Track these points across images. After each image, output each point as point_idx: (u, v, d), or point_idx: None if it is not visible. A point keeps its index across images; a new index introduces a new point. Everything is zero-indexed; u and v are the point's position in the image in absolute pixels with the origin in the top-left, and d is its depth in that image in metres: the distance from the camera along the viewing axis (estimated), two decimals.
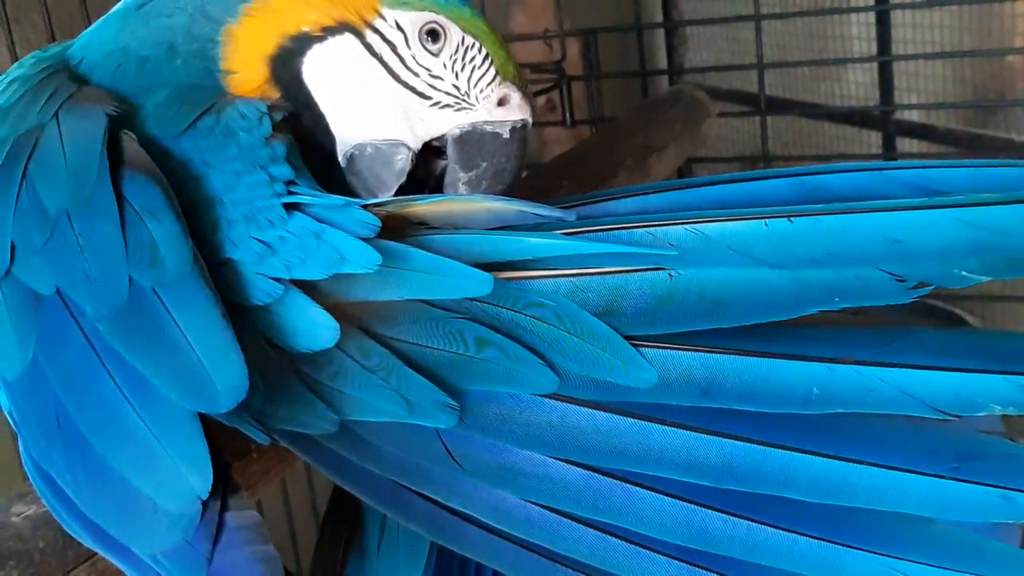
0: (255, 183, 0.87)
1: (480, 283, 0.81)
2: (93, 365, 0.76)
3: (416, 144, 0.94)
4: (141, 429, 0.74)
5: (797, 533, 0.78)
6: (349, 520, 0.97)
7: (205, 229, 0.84)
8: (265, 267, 0.83)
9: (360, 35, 0.93)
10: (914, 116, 2.81)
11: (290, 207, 0.85)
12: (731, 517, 0.78)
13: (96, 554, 0.87)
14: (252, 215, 0.85)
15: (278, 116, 0.92)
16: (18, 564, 0.83)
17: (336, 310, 0.82)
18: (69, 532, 0.80)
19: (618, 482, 0.79)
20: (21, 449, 0.81)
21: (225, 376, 0.75)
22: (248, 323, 0.82)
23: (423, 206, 0.86)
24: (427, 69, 0.93)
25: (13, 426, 0.82)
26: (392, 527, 0.95)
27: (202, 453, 0.73)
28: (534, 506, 0.80)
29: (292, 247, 0.83)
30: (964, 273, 0.75)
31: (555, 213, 0.85)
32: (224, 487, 0.75)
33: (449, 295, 0.81)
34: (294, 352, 0.82)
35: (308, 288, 0.82)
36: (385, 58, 0.93)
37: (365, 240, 0.83)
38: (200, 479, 0.73)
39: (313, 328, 0.81)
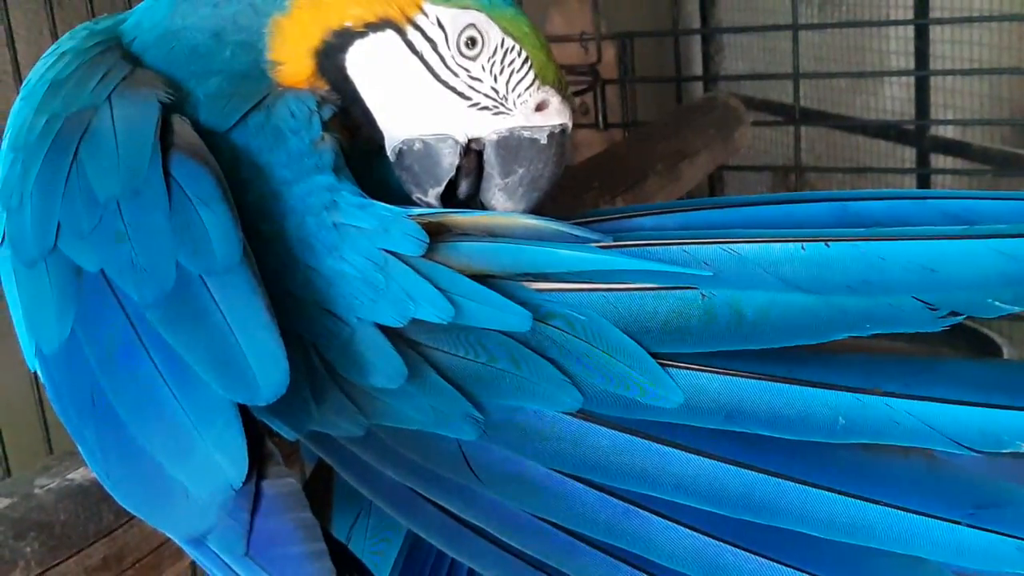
0: (303, 193, 0.86)
1: (519, 319, 0.80)
2: (133, 345, 0.75)
3: (463, 139, 0.93)
4: (179, 413, 0.73)
5: (807, 573, 0.77)
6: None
7: (257, 244, 0.82)
8: (330, 303, 0.82)
9: (402, 32, 0.91)
10: (949, 132, 2.79)
11: (340, 226, 0.85)
12: (744, 552, 0.77)
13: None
14: (304, 237, 0.84)
15: (327, 112, 0.91)
16: (39, 535, 0.85)
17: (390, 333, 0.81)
18: (121, 504, 0.79)
19: (633, 507, 0.79)
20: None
21: (267, 371, 0.74)
22: (300, 340, 0.82)
23: (464, 218, 0.86)
24: (466, 70, 0.91)
25: (50, 400, 0.81)
26: (359, 536, 0.94)
27: (239, 442, 0.72)
28: (547, 524, 0.80)
29: (356, 282, 0.83)
30: (997, 303, 0.74)
31: (592, 236, 0.83)
32: (261, 456, 0.75)
33: (485, 325, 0.81)
34: (349, 378, 0.81)
35: (380, 329, 0.82)
36: (426, 56, 0.91)
37: (431, 280, 0.82)
38: (235, 468, 0.72)
39: (384, 368, 0.81)
